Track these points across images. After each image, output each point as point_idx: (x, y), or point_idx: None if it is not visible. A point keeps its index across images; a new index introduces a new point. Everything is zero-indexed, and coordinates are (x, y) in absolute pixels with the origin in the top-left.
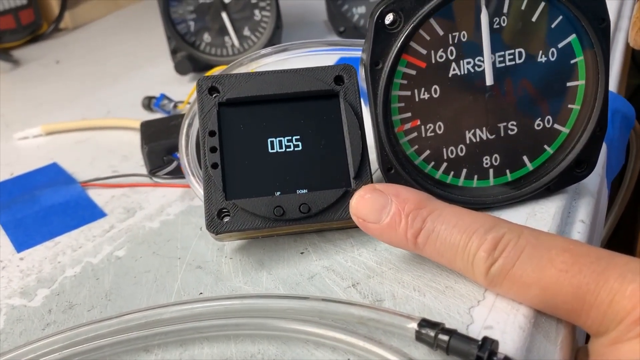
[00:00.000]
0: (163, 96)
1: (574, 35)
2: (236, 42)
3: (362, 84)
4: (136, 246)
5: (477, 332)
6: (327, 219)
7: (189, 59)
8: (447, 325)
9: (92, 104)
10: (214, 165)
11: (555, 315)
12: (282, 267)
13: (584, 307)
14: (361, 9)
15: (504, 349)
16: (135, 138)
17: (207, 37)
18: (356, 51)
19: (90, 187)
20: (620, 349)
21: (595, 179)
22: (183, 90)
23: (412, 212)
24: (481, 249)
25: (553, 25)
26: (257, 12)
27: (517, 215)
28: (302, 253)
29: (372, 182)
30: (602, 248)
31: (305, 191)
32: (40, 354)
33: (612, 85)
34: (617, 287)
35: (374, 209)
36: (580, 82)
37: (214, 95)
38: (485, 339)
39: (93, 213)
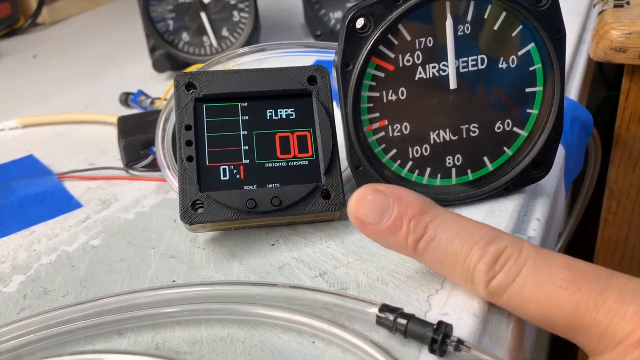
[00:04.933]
0: (140, 92)
1: (533, 44)
2: (214, 42)
3: (335, 84)
4: (111, 236)
5: (434, 318)
6: (298, 212)
7: (167, 57)
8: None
9: (69, 98)
10: (189, 158)
11: (554, 332)
12: (253, 258)
13: (582, 325)
14: (338, 14)
15: (458, 333)
16: (112, 133)
17: (185, 36)
18: (331, 54)
19: (66, 179)
20: None
21: (552, 181)
22: (160, 87)
23: (415, 217)
24: (482, 262)
25: (514, 34)
26: (235, 13)
27: (477, 212)
28: (272, 245)
29: (341, 178)
30: (602, 267)
31: (277, 185)
32: (15, 335)
33: (573, 94)
34: (616, 308)
35: (375, 210)
36: (539, 88)
37: (190, 91)
38: (440, 322)
39: (69, 204)
